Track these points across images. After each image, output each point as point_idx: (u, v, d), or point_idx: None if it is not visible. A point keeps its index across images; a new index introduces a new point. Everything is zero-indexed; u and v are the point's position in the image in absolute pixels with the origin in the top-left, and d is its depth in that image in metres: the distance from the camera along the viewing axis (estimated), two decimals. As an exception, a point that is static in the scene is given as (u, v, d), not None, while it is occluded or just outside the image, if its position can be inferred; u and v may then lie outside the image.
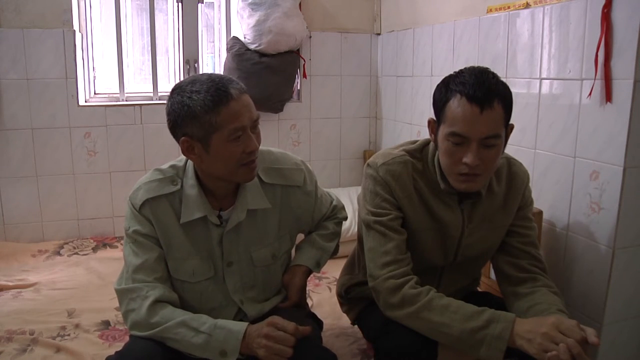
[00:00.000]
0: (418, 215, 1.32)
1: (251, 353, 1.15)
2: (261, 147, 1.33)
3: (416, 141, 1.40)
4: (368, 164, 1.36)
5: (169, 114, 1.21)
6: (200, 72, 2.81)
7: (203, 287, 1.32)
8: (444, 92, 1.22)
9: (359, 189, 3.04)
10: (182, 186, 1.29)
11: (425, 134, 2.45)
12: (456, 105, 1.18)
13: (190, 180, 1.28)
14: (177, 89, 1.21)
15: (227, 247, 1.31)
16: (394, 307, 1.24)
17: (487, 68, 1.22)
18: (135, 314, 1.19)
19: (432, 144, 1.33)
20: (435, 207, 1.32)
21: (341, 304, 1.64)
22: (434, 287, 1.26)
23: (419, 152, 1.36)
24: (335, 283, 1.69)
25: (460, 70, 1.23)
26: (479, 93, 1.15)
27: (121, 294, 1.24)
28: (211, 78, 1.19)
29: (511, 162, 1.39)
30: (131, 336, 1.22)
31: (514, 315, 1.15)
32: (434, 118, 1.27)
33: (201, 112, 1.16)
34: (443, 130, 1.22)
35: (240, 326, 1.16)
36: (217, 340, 1.14)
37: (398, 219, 1.31)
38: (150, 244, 1.27)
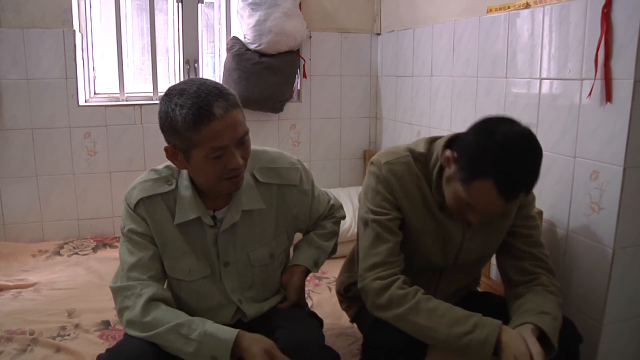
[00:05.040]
0: (418, 218, 1.32)
1: (242, 355, 1.14)
2: (257, 147, 1.34)
3: (424, 141, 1.36)
4: (372, 162, 1.35)
5: (158, 117, 1.20)
6: (199, 74, 2.81)
7: (200, 285, 1.32)
8: (476, 164, 1.13)
9: (360, 189, 3.02)
10: (177, 186, 1.29)
11: (424, 134, 2.45)
12: (484, 190, 1.13)
13: (184, 181, 1.29)
14: (167, 96, 1.18)
15: (222, 247, 1.31)
16: (382, 308, 1.25)
17: (529, 141, 1.12)
18: (129, 311, 1.20)
19: (436, 157, 1.29)
20: (436, 212, 1.32)
21: (340, 302, 1.64)
22: (433, 285, 1.26)
23: (423, 157, 1.33)
24: (335, 282, 1.69)
25: (500, 131, 1.11)
26: (513, 189, 1.12)
27: (116, 291, 1.24)
28: (198, 92, 1.13)
29: None
30: (125, 334, 1.22)
31: (500, 322, 1.15)
32: (454, 154, 1.20)
33: (182, 127, 1.14)
34: (462, 191, 1.17)
35: (230, 334, 1.14)
36: (207, 347, 1.13)
37: (396, 219, 1.31)
38: (145, 242, 1.27)
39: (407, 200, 1.31)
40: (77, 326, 1.78)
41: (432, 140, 1.35)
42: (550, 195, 1.70)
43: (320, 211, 1.51)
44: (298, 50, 2.80)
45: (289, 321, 1.28)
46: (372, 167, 1.34)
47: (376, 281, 1.26)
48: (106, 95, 2.78)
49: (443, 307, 1.20)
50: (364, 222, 1.34)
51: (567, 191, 1.62)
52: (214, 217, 1.30)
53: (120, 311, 1.23)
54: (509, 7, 1.89)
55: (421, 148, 1.34)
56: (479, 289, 1.65)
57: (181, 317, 1.18)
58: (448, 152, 1.22)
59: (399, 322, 1.23)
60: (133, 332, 1.18)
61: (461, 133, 1.23)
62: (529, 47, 1.78)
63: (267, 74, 2.65)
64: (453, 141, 1.25)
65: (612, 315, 1.52)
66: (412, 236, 1.33)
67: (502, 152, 1.10)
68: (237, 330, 1.16)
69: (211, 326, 1.16)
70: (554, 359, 1.18)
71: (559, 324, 1.22)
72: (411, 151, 1.33)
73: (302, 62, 2.86)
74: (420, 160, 1.32)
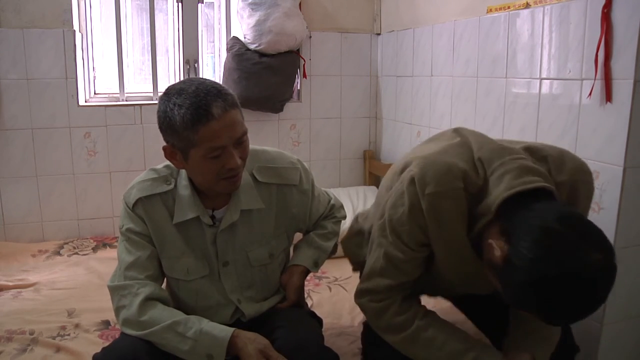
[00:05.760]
0: (448, 257, 1.16)
1: (238, 354, 1.14)
2: (256, 147, 1.34)
3: (481, 164, 1.10)
4: (413, 179, 1.10)
5: (157, 117, 1.21)
6: (199, 74, 2.81)
7: (198, 285, 1.32)
8: (522, 298, 0.94)
9: (359, 189, 3.01)
10: (175, 186, 1.29)
11: (424, 134, 2.45)
12: (526, 312, 0.98)
13: (183, 180, 1.29)
14: (165, 96, 1.18)
15: (221, 246, 1.31)
16: (380, 330, 1.25)
17: (597, 290, 0.89)
18: (126, 310, 1.20)
19: (486, 208, 1.05)
20: (469, 255, 1.12)
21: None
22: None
23: (477, 189, 1.07)
24: (335, 281, 1.69)
25: (566, 266, 0.87)
26: (559, 323, 1.04)
27: (113, 290, 1.25)
28: (197, 92, 1.14)
29: None
30: (122, 333, 1.22)
31: (501, 355, 1.13)
32: (503, 252, 0.96)
33: (180, 127, 1.14)
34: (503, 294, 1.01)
35: (226, 333, 1.14)
36: (202, 346, 1.13)
37: (415, 260, 1.18)
38: (143, 242, 1.27)
39: (441, 240, 1.13)
40: (77, 326, 1.78)
41: (486, 180, 1.09)
42: (550, 195, 1.69)
43: (320, 211, 1.51)
44: (298, 50, 2.80)
45: (288, 321, 1.28)
46: (411, 188, 1.10)
47: (371, 303, 1.25)
48: (106, 95, 2.78)
49: (441, 339, 1.16)
50: (377, 243, 1.22)
51: (567, 191, 1.62)
52: (212, 217, 1.30)
53: (117, 310, 1.23)
54: (509, 7, 1.89)
55: (479, 179, 1.08)
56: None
57: (177, 315, 1.18)
58: (498, 251, 0.97)
59: (397, 347, 1.22)
60: (129, 331, 1.18)
61: (522, 214, 0.96)
62: (529, 47, 1.78)
63: (267, 74, 2.65)
64: (513, 211, 0.98)
65: (612, 315, 1.52)
66: (439, 270, 1.21)
67: (558, 299, 0.88)
68: (233, 329, 1.16)
69: (207, 324, 1.16)
70: None
71: (555, 343, 1.20)
72: (466, 180, 1.08)
73: (302, 62, 2.86)
74: (471, 192, 1.08)
